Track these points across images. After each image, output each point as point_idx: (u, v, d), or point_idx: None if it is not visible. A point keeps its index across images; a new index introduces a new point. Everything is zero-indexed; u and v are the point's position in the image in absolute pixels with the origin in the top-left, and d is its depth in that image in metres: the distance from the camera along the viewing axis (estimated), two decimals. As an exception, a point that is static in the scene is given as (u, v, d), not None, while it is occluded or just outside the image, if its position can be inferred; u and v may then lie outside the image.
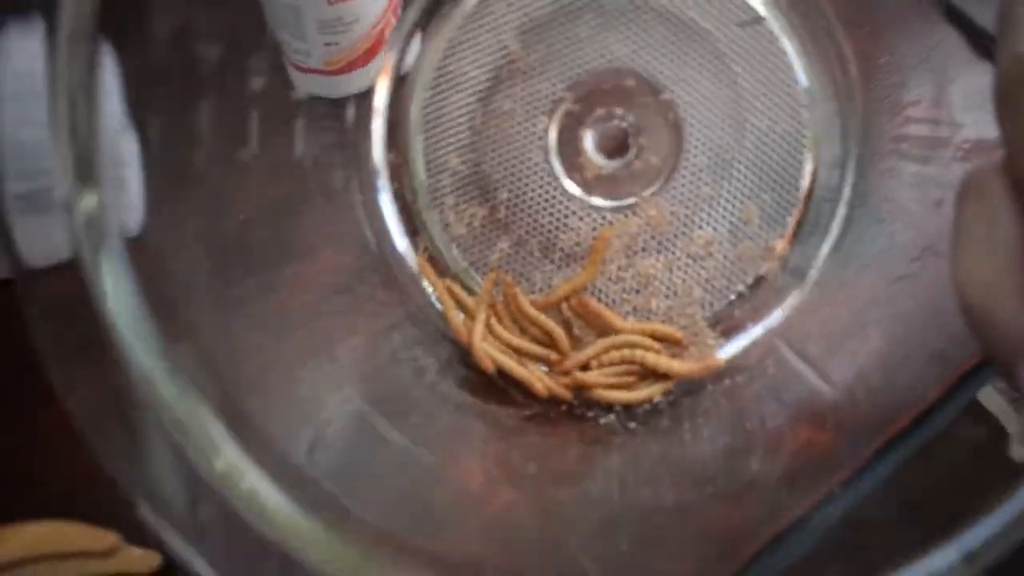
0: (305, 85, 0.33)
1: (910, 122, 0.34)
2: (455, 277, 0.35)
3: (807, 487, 0.27)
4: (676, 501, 0.29)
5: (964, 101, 0.32)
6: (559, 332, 0.33)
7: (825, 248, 0.34)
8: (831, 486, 0.26)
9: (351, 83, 0.34)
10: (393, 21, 0.33)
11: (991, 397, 0.23)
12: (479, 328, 0.33)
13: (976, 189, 0.19)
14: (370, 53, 0.32)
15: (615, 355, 0.33)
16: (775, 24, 0.35)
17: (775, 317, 0.34)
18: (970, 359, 0.24)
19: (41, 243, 0.20)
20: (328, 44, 0.30)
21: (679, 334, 0.34)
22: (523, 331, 0.34)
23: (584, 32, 0.35)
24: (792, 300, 0.34)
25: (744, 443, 0.31)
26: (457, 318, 0.34)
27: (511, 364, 0.33)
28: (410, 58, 0.35)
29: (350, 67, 0.33)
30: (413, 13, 0.35)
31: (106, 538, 0.29)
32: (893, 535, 0.21)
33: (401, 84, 0.35)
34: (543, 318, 0.33)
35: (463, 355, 0.33)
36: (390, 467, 0.29)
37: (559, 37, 0.35)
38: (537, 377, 0.33)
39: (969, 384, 0.24)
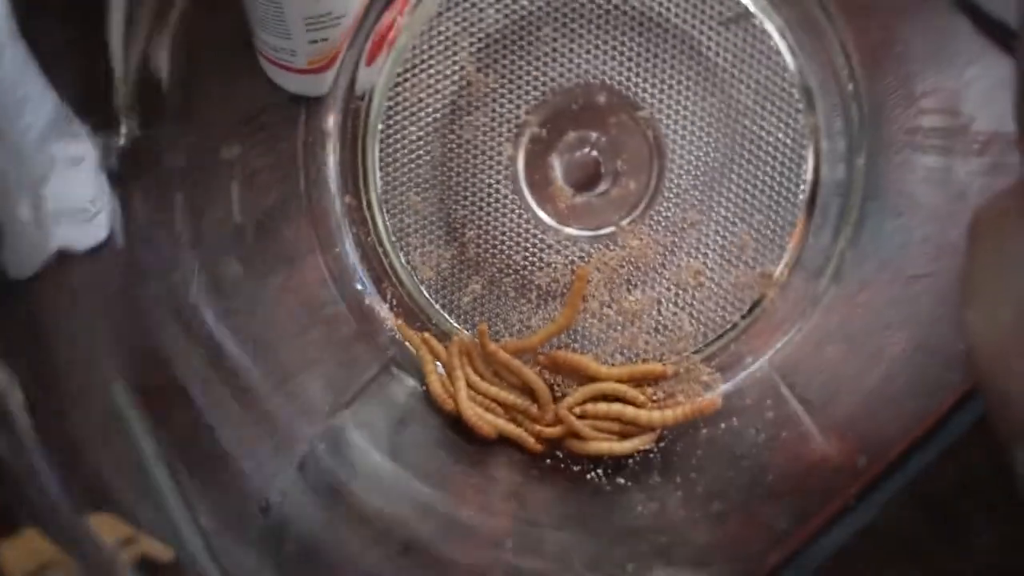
0: (289, 84, 0.31)
1: (924, 113, 0.30)
2: (427, 320, 0.33)
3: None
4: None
5: (980, 92, 0.28)
6: (541, 385, 0.31)
7: (840, 244, 0.31)
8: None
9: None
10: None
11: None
12: (463, 396, 0.31)
13: (989, 226, 0.17)
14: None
15: (601, 408, 0.30)
16: (764, 19, 0.30)
17: (775, 350, 0.31)
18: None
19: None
20: (314, 42, 0.28)
21: (663, 367, 0.31)
22: (496, 374, 0.32)
23: (545, 46, 0.31)
24: (795, 328, 0.31)
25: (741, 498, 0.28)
26: (437, 385, 0.32)
27: (509, 427, 0.31)
28: (359, 90, 0.32)
29: (333, 63, 0.31)
30: (360, 40, 0.32)
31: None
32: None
33: (353, 119, 0.33)
34: (526, 371, 0.31)
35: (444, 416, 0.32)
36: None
37: (518, 53, 0.31)
38: (531, 433, 0.31)
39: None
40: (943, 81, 0.29)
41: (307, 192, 0.32)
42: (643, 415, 0.30)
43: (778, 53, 0.30)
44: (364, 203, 0.33)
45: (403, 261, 0.33)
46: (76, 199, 0.25)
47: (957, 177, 0.28)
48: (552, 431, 0.31)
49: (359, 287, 0.33)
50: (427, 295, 0.33)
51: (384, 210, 0.32)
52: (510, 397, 0.31)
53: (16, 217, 0.23)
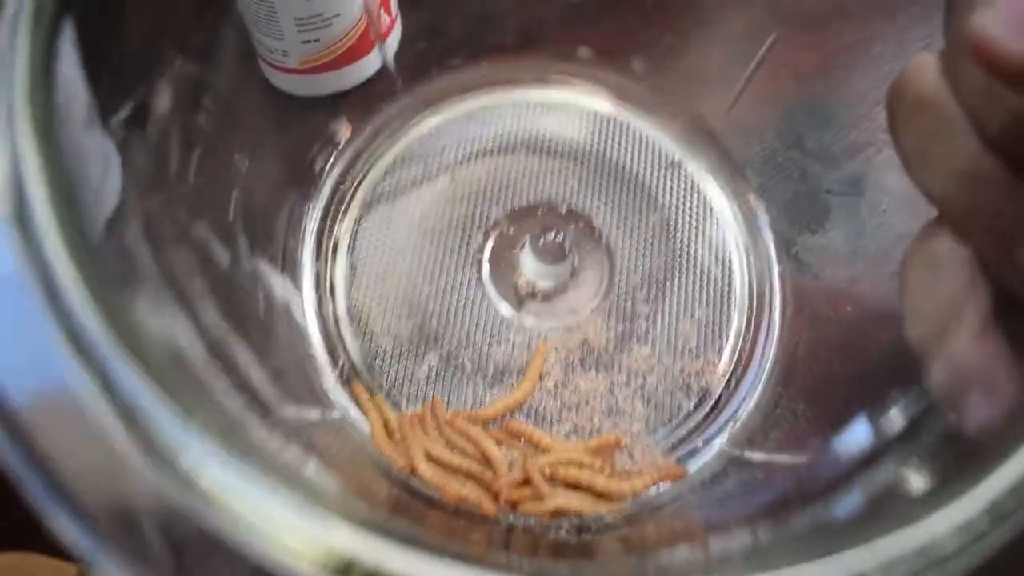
0: (283, 84, 0.32)
1: None
2: (378, 388, 0.32)
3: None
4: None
5: None
6: (497, 453, 0.30)
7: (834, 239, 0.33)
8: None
9: (330, 83, 0.33)
10: (387, 17, 0.33)
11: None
12: (423, 467, 0.29)
13: (920, 256, 0.20)
14: (352, 53, 0.32)
15: (572, 471, 0.29)
16: (695, 165, 0.37)
17: (727, 432, 0.32)
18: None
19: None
20: (306, 42, 0.30)
21: (616, 436, 0.30)
22: (448, 444, 0.30)
23: (518, 168, 0.36)
24: (745, 408, 0.32)
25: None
26: (391, 450, 0.30)
27: (474, 495, 0.29)
28: (347, 181, 0.36)
29: (330, 66, 0.32)
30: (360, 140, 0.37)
31: (67, 570, 0.28)
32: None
33: (338, 199, 0.36)
34: (484, 438, 0.30)
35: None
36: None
37: (492, 171, 0.36)
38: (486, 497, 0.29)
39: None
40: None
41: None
42: (613, 484, 0.29)
43: (703, 192, 0.37)
44: (328, 271, 0.34)
45: (357, 331, 0.33)
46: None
47: None
48: (509, 494, 0.29)
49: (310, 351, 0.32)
50: (379, 366, 0.32)
51: (350, 281, 0.34)
52: (464, 463, 0.29)
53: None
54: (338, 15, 0.31)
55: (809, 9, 0.33)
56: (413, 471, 0.29)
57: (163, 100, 0.26)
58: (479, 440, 0.30)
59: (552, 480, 0.29)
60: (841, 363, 0.29)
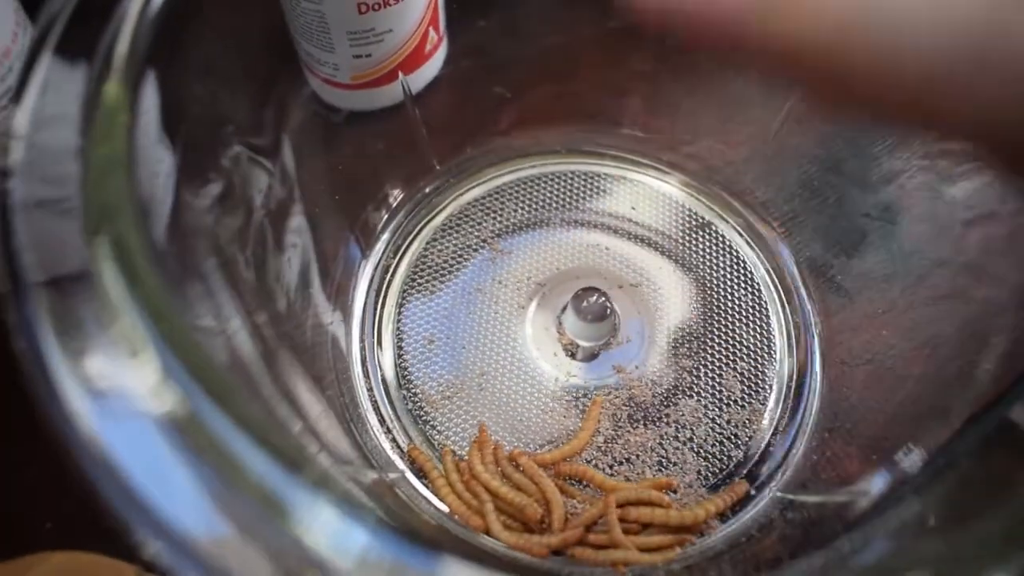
0: (333, 99, 0.32)
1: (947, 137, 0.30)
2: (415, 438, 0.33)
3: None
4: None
5: None
6: (558, 499, 0.30)
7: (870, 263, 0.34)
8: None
9: (382, 97, 0.33)
10: (435, 35, 0.32)
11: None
12: (499, 529, 0.30)
13: None
14: (407, 65, 0.31)
15: (631, 512, 0.30)
16: (723, 225, 0.39)
17: (778, 477, 0.32)
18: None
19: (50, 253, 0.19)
20: (358, 56, 0.29)
21: (668, 478, 0.31)
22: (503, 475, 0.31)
23: (555, 235, 0.39)
24: (795, 452, 0.32)
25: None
26: (460, 506, 0.31)
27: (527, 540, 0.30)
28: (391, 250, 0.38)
29: (382, 81, 0.31)
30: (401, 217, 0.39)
31: (126, 571, 0.29)
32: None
33: (384, 269, 0.38)
34: (547, 482, 0.31)
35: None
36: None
37: (532, 240, 0.39)
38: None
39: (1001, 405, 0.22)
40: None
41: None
42: (687, 513, 0.30)
43: (734, 248, 0.38)
44: (377, 334, 0.36)
45: (405, 395, 0.34)
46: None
47: (977, 199, 0.30)
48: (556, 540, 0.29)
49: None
50: (427, 427, 0.34)
51: (395, 350, 0.36)
52: (509, 494, 0.30)
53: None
54: (390, 31, 0.31)
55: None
56: (487, 531, 0.30)
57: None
58: (542, 483, 0.31)
59: (623, 521, 0.30)
60: (882, 397, 0.30)
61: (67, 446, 0.16)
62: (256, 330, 0.26)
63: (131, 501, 0.16)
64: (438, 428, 0.34)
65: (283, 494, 0.17)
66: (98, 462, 0.16)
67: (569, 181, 0.41)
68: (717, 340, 0.36)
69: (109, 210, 0.19)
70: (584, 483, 0.32)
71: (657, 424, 0.34)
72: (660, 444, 0.33)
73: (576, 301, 0.35)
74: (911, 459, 0.25)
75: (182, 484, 0.16)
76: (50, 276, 0.19)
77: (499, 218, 0.40)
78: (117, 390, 0.17)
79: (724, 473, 0.32)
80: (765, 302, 0.37)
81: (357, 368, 0.35)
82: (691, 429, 0.33)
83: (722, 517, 0.31)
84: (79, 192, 0.20)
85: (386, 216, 0.39)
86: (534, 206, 0.40)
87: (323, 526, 0.16)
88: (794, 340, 0.36)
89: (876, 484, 0.26)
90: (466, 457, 0.32)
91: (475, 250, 0.38)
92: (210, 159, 0.29)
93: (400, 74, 0.35)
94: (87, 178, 0.20)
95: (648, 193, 0.41)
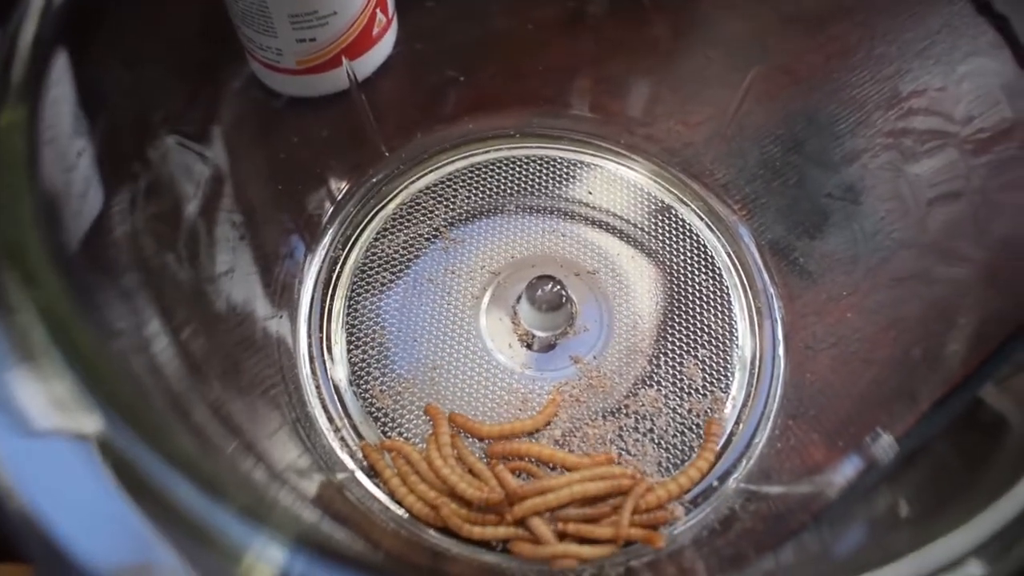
0: (278, 85, 0.31)
1: (913, 114, 0.31)
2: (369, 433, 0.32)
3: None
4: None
5: (975, 89, 0.29)
6: (512, 485, 0.29)
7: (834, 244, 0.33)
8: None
9: (328, 82, 0.32)
10: (383, 17, 0.31)
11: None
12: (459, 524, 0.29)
13: None
14: (355, 48, 0.30)
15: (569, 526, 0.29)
16: (682, 209, 0.38)
17: (740, 468, 0.31)
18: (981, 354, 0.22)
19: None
20: (302, 41, 0.28)
21: (609, 454, 0.31)
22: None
23: (509, 221, 0.37)
24: (757, 442, 0.31)
25: None
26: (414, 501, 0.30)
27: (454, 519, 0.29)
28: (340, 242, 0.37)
29: (328, 66, 0.30)
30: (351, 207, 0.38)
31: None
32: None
33: (331, 262, 0.36)
34: (506, 474, 0.30)
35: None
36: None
37: (486, 227, 0.37)
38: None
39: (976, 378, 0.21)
40: (932, 80, 0.29)
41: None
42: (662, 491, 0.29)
43: (694, 232, 0.37)
44: (326, 330, 0.34)
45: (357, 392, 0.33)
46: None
47: (941, 177, 0.29)
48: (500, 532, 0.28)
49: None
50: (380, 420, 0.32)
51: (345, 340, 0.34)
52: (461, 484, 0.29)
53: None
54: (335, 13, 0.30)
55: (810, 10, 0.34)
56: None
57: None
58: (469, 459, 0.30)
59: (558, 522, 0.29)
60: (848, 382, 0.29)
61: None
62: (186, 336, 0.24)
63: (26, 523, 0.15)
64: (390, 425, 0.32)
65: (208, 522, 0.15)
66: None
67: (523, 166, 0.40)
68: (678, 327, 0.35)
69: (2, 208, 0.17)
70: (552, 466, 0.31)
71: (616, 415, 0.32)
72: (619, 436, 0.32)
73: (530, 290, 0.33)
74: (879, 445, 0.24)
75: (79, 506, 0.14)
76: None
77: (451, 206, 0.38)
78: (7, 403, 0.15)
79: (685, 464, 0.32)
80: (727, 287, 0.36)
81: (305, 367, 0.34)
82: (651, 420, 0.32)
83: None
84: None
85: (332, 207, 0.38)
86: (488, 193, 0.38)
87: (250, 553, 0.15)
88: (756, 325, 0.35)
89: (843, 473, 0.25)
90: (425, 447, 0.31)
91: (427, 239, 0.37)
92: (136, 149, 0.27)
93: (344, 59, 0.34)
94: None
95: (605, 177, 0.39)
